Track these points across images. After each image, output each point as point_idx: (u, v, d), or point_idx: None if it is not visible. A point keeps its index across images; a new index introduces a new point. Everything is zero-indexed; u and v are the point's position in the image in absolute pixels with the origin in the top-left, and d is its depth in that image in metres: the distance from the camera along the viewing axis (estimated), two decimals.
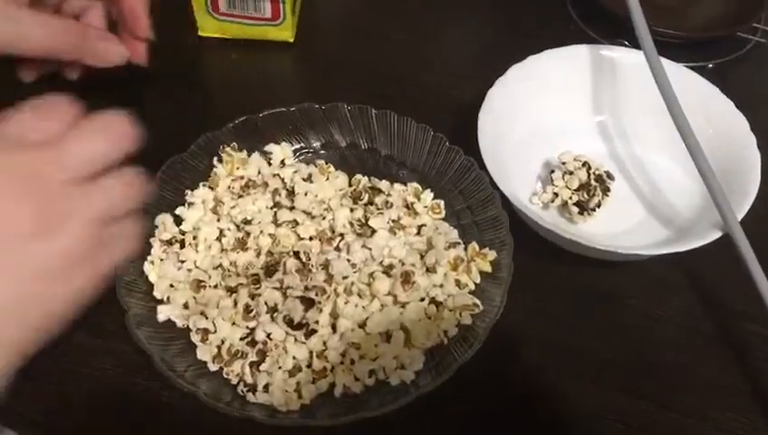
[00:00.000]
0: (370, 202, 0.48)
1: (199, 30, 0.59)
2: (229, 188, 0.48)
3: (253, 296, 0.43)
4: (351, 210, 0.47)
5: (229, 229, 0.46)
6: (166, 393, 0.41)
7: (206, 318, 0.42)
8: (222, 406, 0.38)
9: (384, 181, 0.49)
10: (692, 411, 0.43)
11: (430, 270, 0.45)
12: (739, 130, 0.48)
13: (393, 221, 0.47)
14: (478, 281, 0.45)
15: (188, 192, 0.48)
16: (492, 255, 0.45)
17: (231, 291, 0.43)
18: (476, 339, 0.41)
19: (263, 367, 0.40)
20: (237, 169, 0.48)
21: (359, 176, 0.49)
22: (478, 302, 0.43)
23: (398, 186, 0.49)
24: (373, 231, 0.46)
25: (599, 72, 0.53)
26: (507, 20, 0.66)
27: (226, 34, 0.59)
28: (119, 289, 0.42)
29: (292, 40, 0.60)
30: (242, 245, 0.45)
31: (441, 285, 0.44)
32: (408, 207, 0.48)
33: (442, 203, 0.48)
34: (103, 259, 0.32)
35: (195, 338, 0.42)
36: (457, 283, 0.44)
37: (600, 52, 0.53)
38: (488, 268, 0.45)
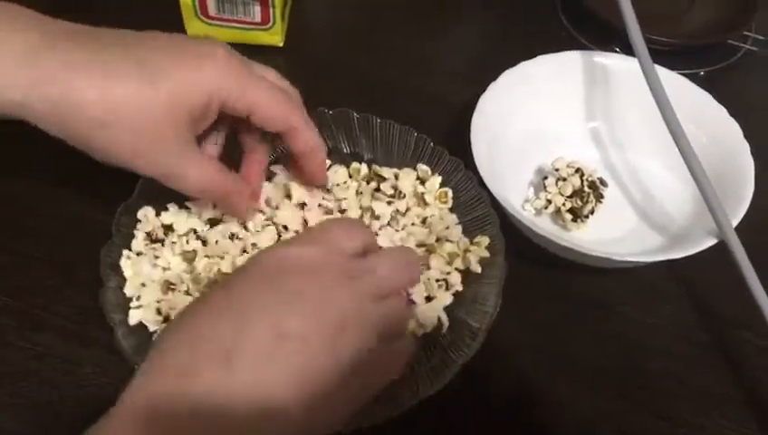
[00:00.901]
0: (377, 189, 0.47)
1: (188, 34, 0.59)
2: None
3: None
4: (358, 193, 0.47)
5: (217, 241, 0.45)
6: None
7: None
8: None
9: (385, 168, 0.49)
10: (685, 420, 0.43)
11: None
12: (732, 137, 0.48)
13: (400, 212, 0.46)
14: (479, 270, 0.44)
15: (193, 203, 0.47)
16: (485, 240, 0.45)
17: None
18: (475, 339, 0.40)
19: None
20: None
21: (356, 164, 0.49)
22: (445, 321, 0.43)
23: (407, 170, 0.48)
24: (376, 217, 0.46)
25: (591, 78, 0.53)
26: (499, 26, 0.65)
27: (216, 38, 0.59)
28: (103, 305, 0.41)
29: (282, 44, 0.60)
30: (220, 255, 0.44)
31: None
32: (418, 196, 0.47)
33: (449, 192, 0.47)
34: (376, 376, 0.36)
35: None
36: (445, 282, 0.44)
37: (592, 58, 0.53)
38: (486, 254, 0.44)
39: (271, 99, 0.41)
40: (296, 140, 0.43)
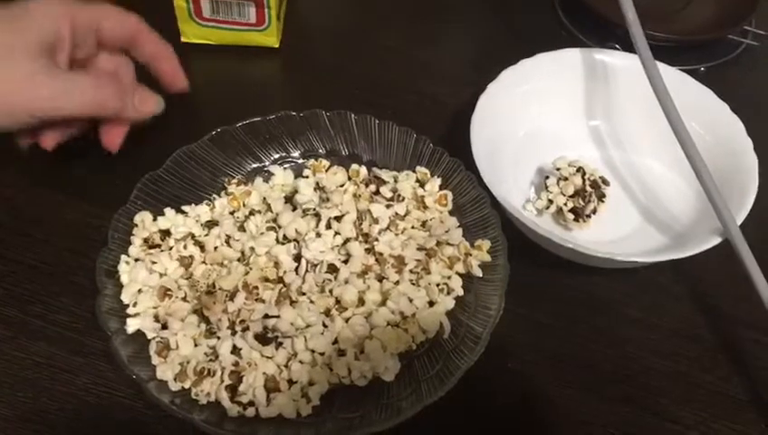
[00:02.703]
0: (376, 192, 0.47)
1: (182, 36, 0.58)
2: (233, 214, 0.46)
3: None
4: (356, 196, 0.46)
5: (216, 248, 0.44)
6: (150, 413, 0.40)
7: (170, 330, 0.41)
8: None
9: (384, 171, 0.48)
10: (690, 421, 0.42)
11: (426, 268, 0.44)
12: (735, 133, 0.48)
13: (399, 215, 0.46)
14: (481, 274, 0.44)
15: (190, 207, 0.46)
16: (486, 244, 0.44)
17: (198, 310, 0.42)
18: (478, 344, 0.40)
19: (241, 388, 0.39)
20: (244, 205, 0.47)
21: (355, 166, 0.48)
22: (446, 326, 0.42)
23: (406, 173, 0.48)
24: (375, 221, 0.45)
25: (591, 75, 0.53)
26: (497, 25, 0.65)
27: (210, 40, 0.58)
28: (99, 314, 0.40)
29: (277, 45, 0.59)
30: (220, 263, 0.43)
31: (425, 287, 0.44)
32: (418, 200, 0.47)
33: (449, 195, 0.47)
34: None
35: (152, 351, 0.40)
36: (446, 286, 0.44)
37: (592, 55, 0.52)
38: (487, 257, 0.44)
39: (114, 8, 0.45)
40: (148, 42, 0.46)
